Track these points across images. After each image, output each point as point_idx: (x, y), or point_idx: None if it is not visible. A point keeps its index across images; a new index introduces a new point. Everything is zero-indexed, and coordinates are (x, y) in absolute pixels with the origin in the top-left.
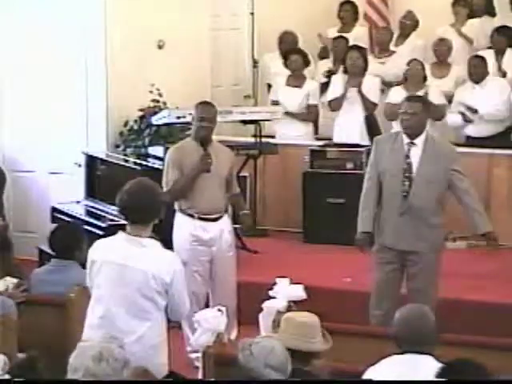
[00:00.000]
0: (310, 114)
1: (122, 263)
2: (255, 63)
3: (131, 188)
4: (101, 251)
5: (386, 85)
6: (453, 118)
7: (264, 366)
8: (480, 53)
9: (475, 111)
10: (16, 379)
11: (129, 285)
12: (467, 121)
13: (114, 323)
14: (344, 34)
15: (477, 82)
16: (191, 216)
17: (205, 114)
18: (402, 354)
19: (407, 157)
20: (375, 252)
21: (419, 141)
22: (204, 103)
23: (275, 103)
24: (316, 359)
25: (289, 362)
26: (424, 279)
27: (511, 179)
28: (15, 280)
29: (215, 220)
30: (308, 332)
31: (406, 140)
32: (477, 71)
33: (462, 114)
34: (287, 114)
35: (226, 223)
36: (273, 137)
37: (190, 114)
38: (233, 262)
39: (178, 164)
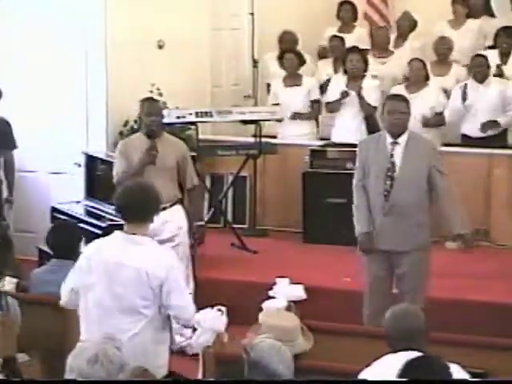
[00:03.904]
0: (314, 110)
1: (116, 261)
2: (255, 63)
3: (127, 187)
4: (96, 250)
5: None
6: (451, 107)
7: (278, 362)
8: (483, 52)
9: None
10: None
11: (124, 283)
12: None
13: (108, 321)
14: (344, 35)
15: (480, 82)
16: None
17: (151, 109)
18: (395, 352)
19: (391, 156)
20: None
21: (402, 139)
22: (149, 99)
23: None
24: (300, 360)
25: (292, 361)
26: (411, 280)
27: (511, 179)
28: (15, 280)
29: None
30: (288, 335)
31: (390, 140)
32: (480, 70)
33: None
34: (294, 115)
35: (171, 214)
36: (275, 137)
37: (190, 113)
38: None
39: (125, 156)
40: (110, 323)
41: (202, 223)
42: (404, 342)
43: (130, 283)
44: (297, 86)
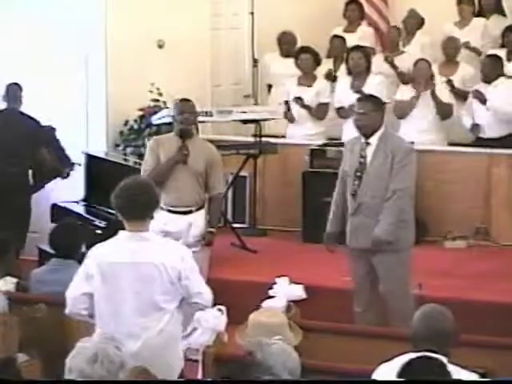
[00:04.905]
0: (320, 112)
1: (132, 261)
2: (255, 63)
3: (126, 185)
4: (105, 254)
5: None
6: (465, 119)
7: (283, 368)
8: (493, 51)
9: (484, 100)
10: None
11: (143, 281)
12: (475, 128)
13: (132, 322)
14: (348, 34)
15: (488, 82)
16: (160, 208)
17: (185, 107)
18: (417, 352)
19: (361, 156)
20: (347, 251)
21: (374, 139)
22: (184, 100)
23: (287, 103)
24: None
25: (299, 369)
26: (390, 279)
27: (511, 179)
28: (15, 280)
29: (184, 213)
30: (275, 332)
31: (363, 140)
32: (488, 70)
33: (475, 124)
34: (302, 107)
35: (196, 218)
36: (279, 136)
37: None
38: (198, 256)
39: (155, 153)
40: (133, 323)
41: (213, 230)
42: (431, 342)
43: (150, 279)
44: (308, 86)
